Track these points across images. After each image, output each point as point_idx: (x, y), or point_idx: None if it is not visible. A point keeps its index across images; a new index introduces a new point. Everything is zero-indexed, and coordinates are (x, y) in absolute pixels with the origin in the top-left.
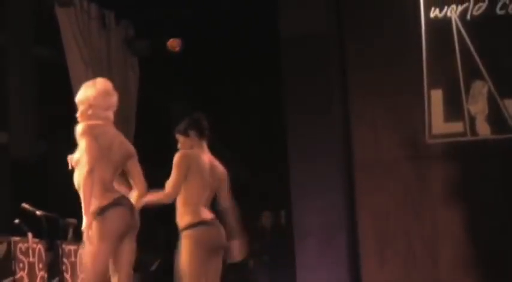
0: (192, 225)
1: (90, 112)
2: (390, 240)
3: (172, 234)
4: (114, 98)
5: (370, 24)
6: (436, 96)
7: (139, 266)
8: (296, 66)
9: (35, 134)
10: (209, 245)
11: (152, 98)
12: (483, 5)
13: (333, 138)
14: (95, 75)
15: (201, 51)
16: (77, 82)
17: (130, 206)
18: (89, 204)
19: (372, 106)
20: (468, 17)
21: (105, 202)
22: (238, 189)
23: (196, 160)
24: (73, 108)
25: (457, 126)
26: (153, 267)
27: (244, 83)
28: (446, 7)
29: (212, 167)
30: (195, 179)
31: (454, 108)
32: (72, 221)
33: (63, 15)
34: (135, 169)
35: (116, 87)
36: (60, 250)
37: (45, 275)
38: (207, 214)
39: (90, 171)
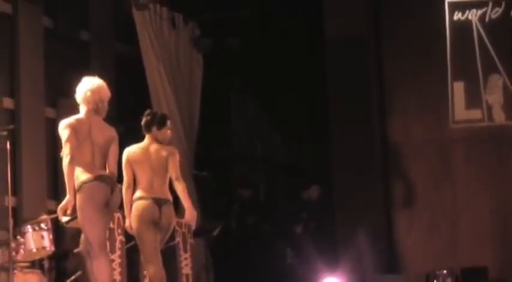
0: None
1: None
2: (417, 211)
3: (231, 207)
4: (94, 94)
5: (402, 26)
6: (459, 88)
7: (202, 232)
8: (339, 62)
9: (114, 117)
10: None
11: (214, 89)
12: (499, 10)
13: (370, 124)
14: (165, 69)
15: (256, 48)
16: (151, 75)
17: (111, 183)
18: (72, 186)
19: (403, 97)
20: (486, 19)
21: (85, 178)
22: (291, 166)
23: None
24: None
25: (476, 113)
26: (215, 232)
27: (293, 77)
28: (467, 11)
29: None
30: None
31: (473, 98)
32: None
33: (139, 17)
34: (112, 153)
35: (183, 79)
36: None
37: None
38: None
39: (71, 160)
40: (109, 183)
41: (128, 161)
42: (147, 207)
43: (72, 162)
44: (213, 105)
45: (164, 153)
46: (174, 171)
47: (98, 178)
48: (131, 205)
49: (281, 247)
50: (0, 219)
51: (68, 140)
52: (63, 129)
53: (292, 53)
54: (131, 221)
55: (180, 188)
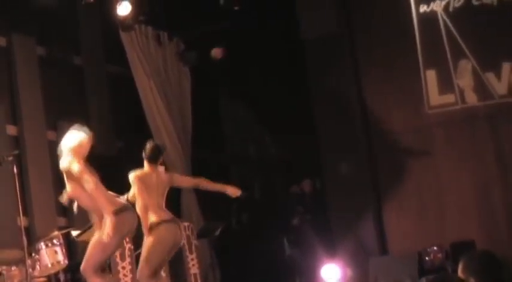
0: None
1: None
2: (405, 194)
3: (229, 206)
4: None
5: (373, 21)
6: (431, 75)
7: (205, 233)
8: (317, 61)
9: (112, 134)
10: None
11: (204, 97)
12: None
13: (352, 116)
14: (156, 85)
15: (239, 55)
16: (143, 91)
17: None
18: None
19: (380, 88)
20: (450, 9)
21: (117, 205)
22: (283, 163)
23: None
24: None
25: (450, 98)
26: (217, 232)
27: (276, 79)
28: (432, 3)
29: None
30: None
31: (446, 84)
32: None
33: (126, 38)
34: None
35: (173, 92)
36: None
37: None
38: None
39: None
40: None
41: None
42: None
43: None
44: (204, 112)
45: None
46: (187, 181)
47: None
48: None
49: (280, 240)
50: (15, 238)
51: None
52: None
53: (272, 56)
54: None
55: (204, 181)
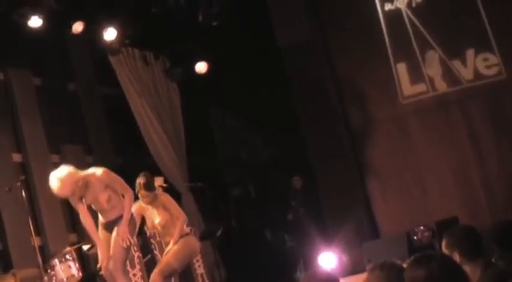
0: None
1: None
2: (389, 180)
3: (228, 208)
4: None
5: (344, 22)
6: (402, 68)
7: (208, 235)
8: (295, 64)
9: (111, 151)
10: None
11: (194, 109)
12: None
13: (333, 113)
14: (147, 102)
15: (222, 66)
16: (136, 108)
17: None
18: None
19: (357, 84)
20: (413, 5)
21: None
22: (274, 162)
23: None
24: (137, 129)
25: (421, 87)
26: (218, 233)
27: (260, 85)
28: (395, 1)
29: None
30: None
31: (416, 74)
32: None
33: (115, 61)
34: None
35: (164, 107)
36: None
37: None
38: None
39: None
40: None
41: None
42: None
43: None
44: (195, 122)
45: None
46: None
47: None
48: None
49: (279, 234)
50: (30, 258)
51: None
52: None
53: (254, 63)
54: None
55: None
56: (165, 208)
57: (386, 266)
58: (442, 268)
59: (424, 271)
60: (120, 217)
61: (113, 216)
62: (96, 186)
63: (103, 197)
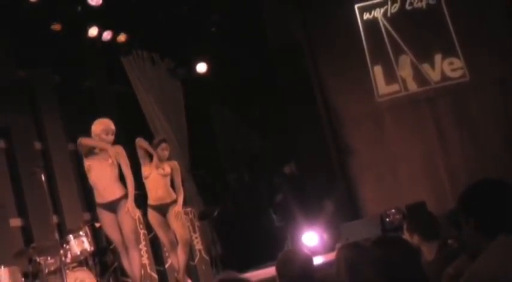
0: None
1: None
2: (366, 168)
3: (224, 192)
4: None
5: (328, 31)
6: (378, 70)
7: (206, 215)
8: (284, 65)
9: (122, 142)
10: None
11: (195, 105)
12: (396, 5)
13: (317, 110)
14: (154, 99)
15: (223, 68)
16: (145, 105)
17: None
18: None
19: (338, 84)
20: (389, 14)
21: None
22: (266, 153)
23: None
24: (145, 124)
25: (394, 87)
26: (215, 214)
27: (255, 85)
28: (373, 11)
29: None
30: None
31: (390, 76)
32: None
33: (126, 62)
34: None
35: (169, 103)
36: None
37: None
38: None
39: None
40: None
41: None
42: None
43: None
44: (197, 116)
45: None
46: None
47: None
48: None
49: (269, 215)
50: (49, 233)
51: None
52: None
53: (249, 64)
54: None
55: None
56: None
57: (351, 246)
58: (397, 249)
59: (382, 251)
60: (117, 199)
61: (111, 197)
62: (107, 157)
63: (107, 172)
